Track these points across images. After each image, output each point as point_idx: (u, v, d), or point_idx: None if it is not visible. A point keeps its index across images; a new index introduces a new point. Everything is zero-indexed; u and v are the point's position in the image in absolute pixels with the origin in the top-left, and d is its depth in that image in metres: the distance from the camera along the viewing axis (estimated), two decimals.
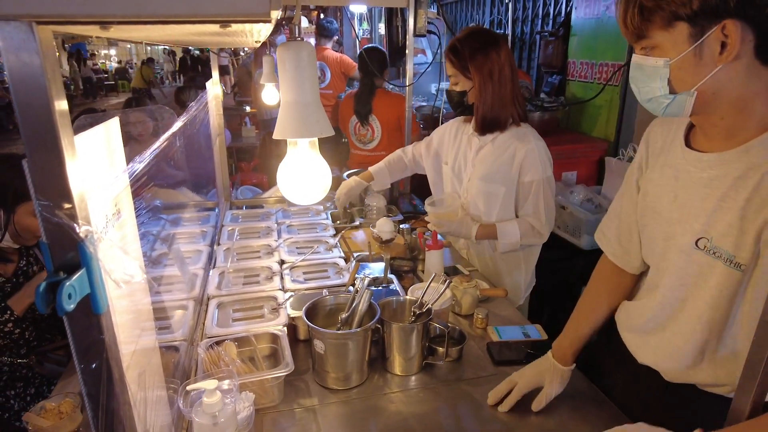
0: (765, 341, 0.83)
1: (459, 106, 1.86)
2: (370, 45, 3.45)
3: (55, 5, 0.42)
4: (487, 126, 1.81)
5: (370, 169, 2.30)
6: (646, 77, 0.94)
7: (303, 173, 1.03)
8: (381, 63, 3.09)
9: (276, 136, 0.97)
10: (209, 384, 0.94)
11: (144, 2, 0.43)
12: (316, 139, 1.03)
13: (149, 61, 14.43)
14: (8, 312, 1.63)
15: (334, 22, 4.85)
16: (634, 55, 0.96)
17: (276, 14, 0.47)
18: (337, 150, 3.91)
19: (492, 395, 1.25)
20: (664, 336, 1.09)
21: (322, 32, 4.59)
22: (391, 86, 3.15)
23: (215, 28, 0.52)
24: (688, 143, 1.04)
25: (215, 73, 2.38)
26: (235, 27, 0.52)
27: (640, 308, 1.18)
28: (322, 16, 6.38)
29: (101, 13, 0.43)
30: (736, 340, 0.98)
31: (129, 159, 0.82)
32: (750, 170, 0.90)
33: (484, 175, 1.85)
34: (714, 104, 0.91)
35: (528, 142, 1.77)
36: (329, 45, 4.64)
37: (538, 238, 1.84)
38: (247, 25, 0.59)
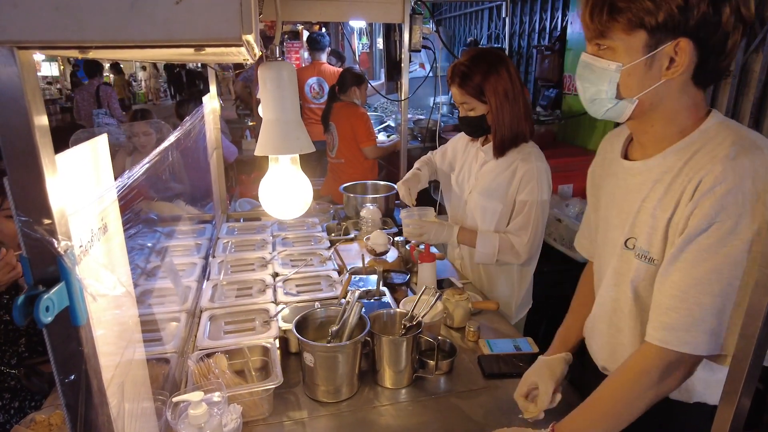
0: (746, 354, 0.86)
1: (479, 130, 1.84)
2: (348, 66, 3.94)
3: (36, 32, 0.44)
4: (506, 147, 1.80)
5: (416, 163, 2.19)
6: (595, 77, 0.97)
7: (284, 188, 1.05)
8: (351, 81, 3.43)
9: (258, 152, 0.99)
10: (195, 396, 0.95)
11: (120, 28, 0.45)
12: (297, 156, 1.06)
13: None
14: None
15: (326, 35, 4.92)
16: (584, 54, 0.99)
17: (250, 38, 0.49)
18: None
19: (525, 407, 1.20)
20: (604, 337, 1.17)
21: (314, 46, 4.67)
22: (357, 102, 3.48)
23: (191, 50, 0.54)
24: (625, 154, 1.13)
25: (213, 88, 2.42)
26: (209, 50, 0.54)
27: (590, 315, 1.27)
28: (323, 29, 6.46)
29: (79, 39, 0.45)
30: None
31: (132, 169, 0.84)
32: (665, 174, 0.99)
33: (483, 189, 1.85)
34: (649, 113, 0.98)
35: (530, 162, 1.77)
36: (323, 57, 4.70)
37: (515, 257, 1.82)
38: (223, 48, 0.61)
